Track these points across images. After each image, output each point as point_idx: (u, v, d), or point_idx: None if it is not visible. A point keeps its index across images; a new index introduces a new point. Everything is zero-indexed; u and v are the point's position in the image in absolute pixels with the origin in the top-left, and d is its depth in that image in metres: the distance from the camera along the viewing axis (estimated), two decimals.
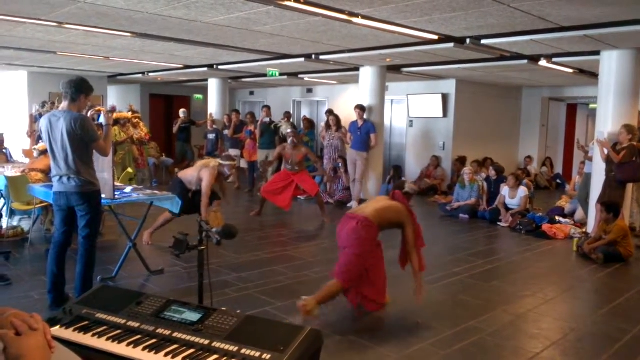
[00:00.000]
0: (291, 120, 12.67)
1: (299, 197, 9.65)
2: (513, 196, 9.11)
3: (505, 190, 9.25)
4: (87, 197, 4.44)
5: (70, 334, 1.97)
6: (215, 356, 1.80)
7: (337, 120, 10.83)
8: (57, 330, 1.97)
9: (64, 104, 4.44)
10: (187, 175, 6.84)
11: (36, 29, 7.61)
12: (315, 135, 13.98)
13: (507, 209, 9.08)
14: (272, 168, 11.09)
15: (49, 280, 4.50)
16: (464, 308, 4.80)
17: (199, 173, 6.71)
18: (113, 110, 11.51)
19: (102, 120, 4.76)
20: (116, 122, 9.84)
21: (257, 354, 1.76)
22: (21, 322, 1.20)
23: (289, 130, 9.25)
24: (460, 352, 3.84)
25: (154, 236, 6.79)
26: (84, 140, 4.35)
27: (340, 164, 10.64)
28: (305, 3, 5.50)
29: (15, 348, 1.15)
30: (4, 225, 6.88)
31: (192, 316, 2.02)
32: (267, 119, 11.65)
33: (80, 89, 4.44)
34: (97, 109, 5.51)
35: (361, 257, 4.41)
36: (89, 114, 5.16)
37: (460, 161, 12.32)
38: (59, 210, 4.58)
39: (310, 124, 13.01)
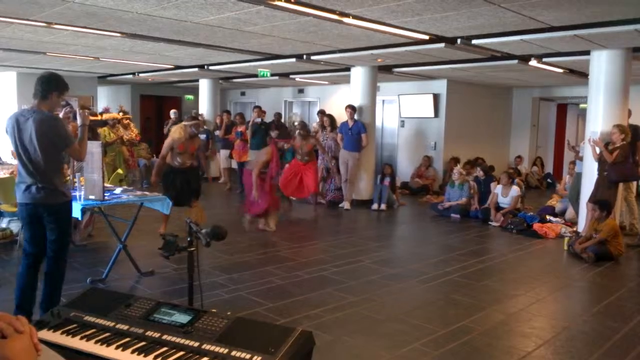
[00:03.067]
0: (282, 120, 12.66)
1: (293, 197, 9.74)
2: (506, 194, 9.12)
3: (497, 188, 9.27)
4: (58, 209, 3.95)
5: (57, 337, 1.94)
6: (205, 358, 1.78)
7: (332, 120, 10.83)
8: (44, 333, 1.94)
9: (34, 103, 3.91)
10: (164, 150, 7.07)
11: (25, 29, 7.55)
12: None
13: (499, 208, 9.09)
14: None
15: (16, 296, 3.99)
16: (456, 307, 4.80)
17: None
18: (106, 111, 11.44)
19: (77, 120, 4.22)
20: (105, 123, 9.79)
21: (248, 356, 1.74)
22: (6, 324, 1.18)
23: (295, 123, 9.80)
24: (452, 351, 3.84)
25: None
26: (55, 144, 3.87)
27: (332, 163, 10.63)
28: (296, 3, 5.49)
29: (0, 351, 1.13)
30: None
31: (182, 318, 1.99)
32: (259, 120, 11.61)
33: (52, 85, 3.90)
34: (84, 108, 5.34)
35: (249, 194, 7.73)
36: (62, 112, 4.81)
37: (455, 161, 12.35)
38: (28, 224, 4.01)
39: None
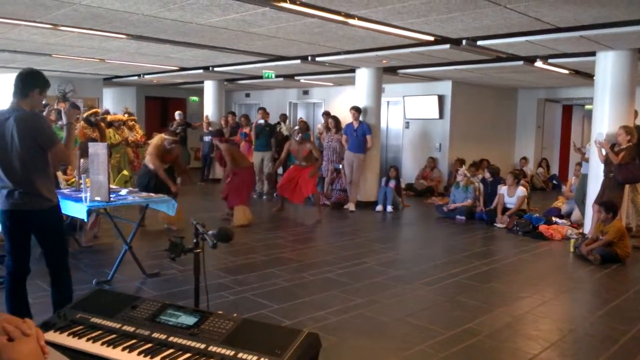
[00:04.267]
0: (287, 122, 12.68)
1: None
2: (512, 194, 9.09)
3: (503, 189, 9.23)
4: (45, 216, 3.62)
5: (64, 339, 1.94)
6: None
7: (337, 122, 10.85)
8: (51, 335, 1.94)
9: (13, 101, 3.59)
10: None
11: (31, 31, 7.58)
12: (311, 136, 13.97)
13: (505, 209, 9.06)
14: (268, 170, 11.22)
15: (8, 313, 3.57)
16: (462, 309, 4.79)
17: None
18: (107, 113, 11.47)
19: (63, 118, 3.91)
20: (110, 124, 9.82)
21: (254, 358, 1.73)
22: (13, 327, 1.18)
23: (296, 128, 9.81)
24: (458, 353, 3.82)
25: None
26: (40, 143, 3.52)
27: (340, 166, 10.64)
28: (301, 4, 5.49)
29: (7, 354, 1.13)
30: None
31: (188, 320, 1.99)
32: (262, 121, 11.63)
33: (34, 82, 3.59)
34: (60, 105, 5.17)
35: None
36: (44, 113, 4.43)
37: (460, 162, 12.32)
38: (10, 234, 3.65)
39: (305, 125, 12.97)
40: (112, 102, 17.25)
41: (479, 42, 7.26)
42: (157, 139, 7.62)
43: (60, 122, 4.57)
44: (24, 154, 3.49)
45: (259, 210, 10.17)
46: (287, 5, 5.43)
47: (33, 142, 3.51)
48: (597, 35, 6.55)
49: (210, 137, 13.31)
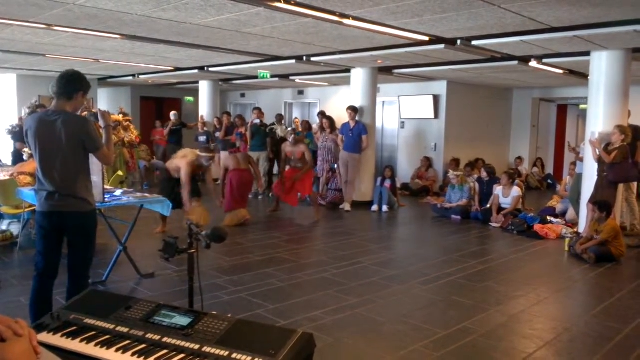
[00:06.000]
0: (283, 122, 12.67)
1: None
2: (507, 194, 9.12)
3: (498, 189, 9.26)
4: (83, 219, 3.65)
5: (57, 340, 1.94)
6: None
7: (331, 122, 10.85)
8: (44, 336, 1.94)
9: (57, 103, 3.58)
10: (172, 164, 7.49)
11: (24, 31, 7.55)
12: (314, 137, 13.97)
13: (500, 209, 9.09)
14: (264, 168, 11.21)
15: (31, 314, 3.61)
16: (457, 309, 4.79)
17: (177, 162, 7.35)
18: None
19: (100, 121, 3.90)
20: None
21: (249, 359, 1.73)
22: (5, 327, 1.17)
23: (289, 129, 9.83)
24: (454, 353, 3.83)
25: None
26: (86, 147, 3.57)
27: (336, 165, 10.65)
28: (296, 4, 5.48)
29: None
30: None
31: (182, 320, 1.99)
32: (258, 121, 11.61)
33: (79, 85, 3.59)
34: (92, 109, 5.31)
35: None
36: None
37: (456, 162, 12.35)
38: (46, 236, 3.66)
39: (309, 126, 12.95)
40: (106, 103, 17.22)
41: (474, 42, 7.27)
42: (191, 155, 7.34)
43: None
44: (70, 156, 3.54)
45: (255, 210, 10.17)
46: (282, 5, 5.42)
47: (80, 145, 3.55)
48: (591, 35, 6.57)
49: (205, 137, 13.32)
